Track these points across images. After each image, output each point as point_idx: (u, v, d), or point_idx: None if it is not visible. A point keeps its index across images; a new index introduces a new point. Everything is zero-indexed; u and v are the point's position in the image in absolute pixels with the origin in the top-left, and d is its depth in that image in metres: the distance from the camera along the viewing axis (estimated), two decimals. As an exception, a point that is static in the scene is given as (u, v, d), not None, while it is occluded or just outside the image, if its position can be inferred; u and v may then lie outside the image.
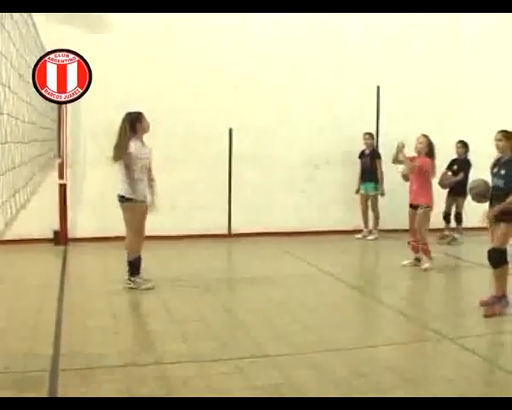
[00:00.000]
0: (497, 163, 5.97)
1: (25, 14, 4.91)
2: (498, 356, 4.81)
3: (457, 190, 9.53)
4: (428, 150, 7.77)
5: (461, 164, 9.66)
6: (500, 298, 5.77)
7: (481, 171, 9.34)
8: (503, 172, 5.79)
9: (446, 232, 9.99)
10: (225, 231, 10.09)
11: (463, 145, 9.73)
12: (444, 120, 10.55)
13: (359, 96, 10.52)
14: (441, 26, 10.79)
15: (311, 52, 10.33)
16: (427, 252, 7.80)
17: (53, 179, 9.06)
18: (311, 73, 10.36)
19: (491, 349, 5.01)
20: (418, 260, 7.91)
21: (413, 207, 7.83)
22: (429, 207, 7.76)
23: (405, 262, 7.95)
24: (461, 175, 9.52)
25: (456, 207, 9.84)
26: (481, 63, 11.03)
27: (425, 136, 7.86)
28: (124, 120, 6.45)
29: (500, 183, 5.79)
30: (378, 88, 10.62)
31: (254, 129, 9.90)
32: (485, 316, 5.67)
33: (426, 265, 7.76)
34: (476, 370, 4.53)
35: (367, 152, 10.30)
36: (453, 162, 9.74)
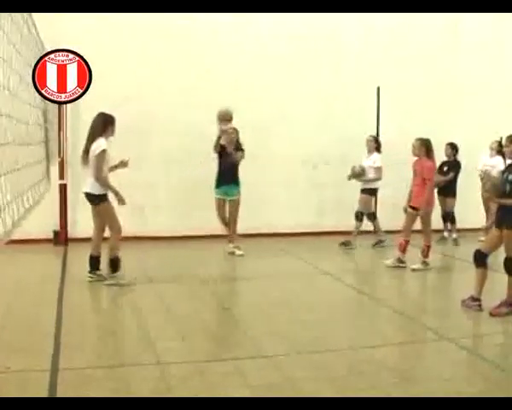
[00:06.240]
0: (506, 169, 5.82)
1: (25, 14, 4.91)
2: (496, 356, 4.81)
3: (446, 191, 9.74)
4: (426, 151, 7.71)
5: (451, 165, 9.83)
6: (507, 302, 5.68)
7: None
8: (511, 177, 5.57)
9: (445, 233, 10.06)
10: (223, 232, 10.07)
11: (452, 147, 9.86)
12: (442, 121, 10.53)
13: (357, 95, 10.52)
14: (440, 25, 10.80)
15: (310, 50, 10.34)
16: (423, 252, 7.79)
17: (53, 179, 9.06)
18: (309, 71, 10.36)
19: (490, 349, 5.01)
20: (401, 260, 7.85)
21: (412, 208, 7.84)
22: (419, 209, 7.72)
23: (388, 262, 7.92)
24: (450, 175, 9.71)
25: (446, 207, 9.91)
26: (480, 63, 11.04)
27: (417, 139, 7.79)
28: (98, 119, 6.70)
29: (508, 188, 5.54)
30: (378, 89, 10.63)
31: (252, 127, 9.86)
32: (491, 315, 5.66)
33: (415, 265, 7.72)
34: (474, 369, 4.55)
35: None
36: (443, 164, 9.89)
